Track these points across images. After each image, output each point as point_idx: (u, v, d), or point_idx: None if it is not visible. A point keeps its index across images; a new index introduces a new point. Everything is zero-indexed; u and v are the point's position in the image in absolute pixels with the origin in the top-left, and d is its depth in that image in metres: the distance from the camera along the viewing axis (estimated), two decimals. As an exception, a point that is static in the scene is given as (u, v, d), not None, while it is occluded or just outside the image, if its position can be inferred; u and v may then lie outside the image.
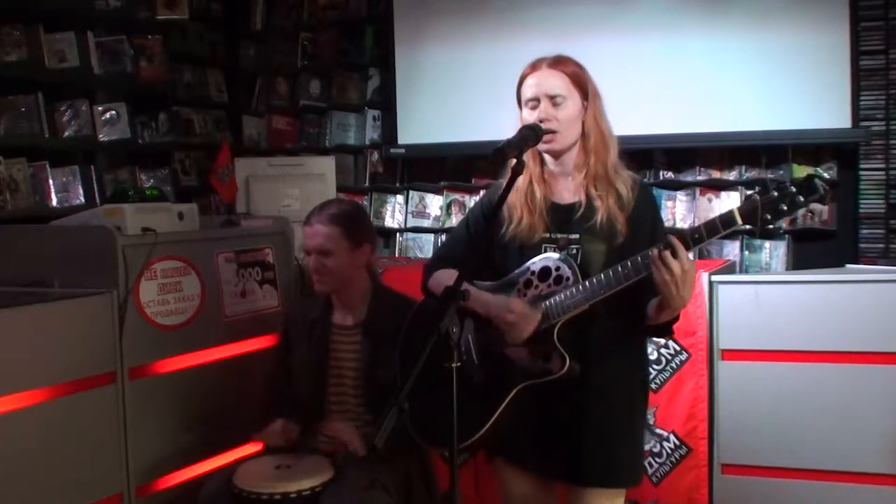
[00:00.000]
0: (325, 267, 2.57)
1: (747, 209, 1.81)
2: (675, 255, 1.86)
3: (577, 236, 2.11)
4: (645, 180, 4.31)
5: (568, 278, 2.04)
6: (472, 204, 4.37)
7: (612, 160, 2.14)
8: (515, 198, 2.14)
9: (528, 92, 2.13)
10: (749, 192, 1.91)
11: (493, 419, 2.07)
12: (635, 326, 2.10)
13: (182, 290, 2.93)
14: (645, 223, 2.11)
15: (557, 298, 2.03)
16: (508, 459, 2.27)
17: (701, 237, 1.87)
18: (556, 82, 2.11)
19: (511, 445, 2.22)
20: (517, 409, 2.09)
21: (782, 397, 3.07)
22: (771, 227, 1.82)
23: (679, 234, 1.90)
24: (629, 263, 1.95)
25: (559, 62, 2.14)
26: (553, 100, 2.10)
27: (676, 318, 2.06)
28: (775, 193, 1.78)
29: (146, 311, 2.80)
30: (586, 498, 2.17)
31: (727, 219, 1.84)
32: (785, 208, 1.78)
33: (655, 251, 1.88)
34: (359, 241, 2.59)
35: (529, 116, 2.12)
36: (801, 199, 1.76)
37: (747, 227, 1.83)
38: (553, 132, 2.09)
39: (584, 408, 2.12)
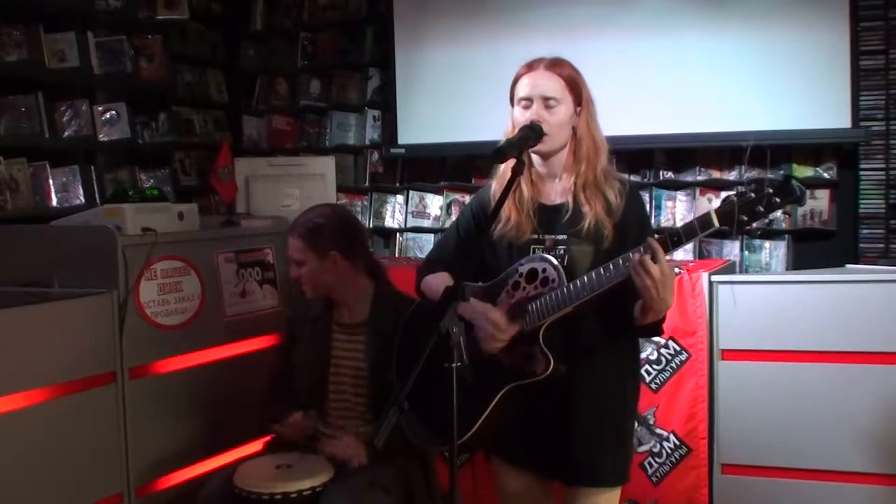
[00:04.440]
0: (300, 275, 2.64)
1: (724, 211, 1.81)
2: (654, 259, 1.86)
3: (563, 237, 2.12)
4: (645, 180, 4.32)
5: (554, 280, 2.03)
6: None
7: (602, 166, 2.15)
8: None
9: (521, 91, 2.13)
10: (728, 193, 1.91)
11: (481, 420, 2.07)
12: (623, 328, 2.10)
13: (182, 290, 2.93)
14: (633, 226, 2.11)
15: (542, 301, 2.03)
16: (504, 458, 2.28)
17: (680, 240, 1.87)
18: (551, 85, 2.10)
19: (505, 444, 2.23)
20: (509, 408, 2.10)
21: (782, 397, 3.07)
22: (748, 227, 1.80)
23: (659, 236, 1.90)
24: (611, 266, 1.94)
25: (556, 65, 2.13)
26: (546, 102, 2.09)
27: (663, 319, 2.07)
28: (752, 195, 1.78)
29: (146, 311, 2.80)
30: (580, 496, 2.19)
31: (704, 221, 1.83)
32: (762, 209, 1.77)
33: (636, 256, 1.88)
34: (324, 251, 2.61)
35: (520, 116, 2.12)
36: (778, 200, 1.76)
37: (724, 228, 1.82)
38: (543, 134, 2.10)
39: (572, 408, 2.13)
